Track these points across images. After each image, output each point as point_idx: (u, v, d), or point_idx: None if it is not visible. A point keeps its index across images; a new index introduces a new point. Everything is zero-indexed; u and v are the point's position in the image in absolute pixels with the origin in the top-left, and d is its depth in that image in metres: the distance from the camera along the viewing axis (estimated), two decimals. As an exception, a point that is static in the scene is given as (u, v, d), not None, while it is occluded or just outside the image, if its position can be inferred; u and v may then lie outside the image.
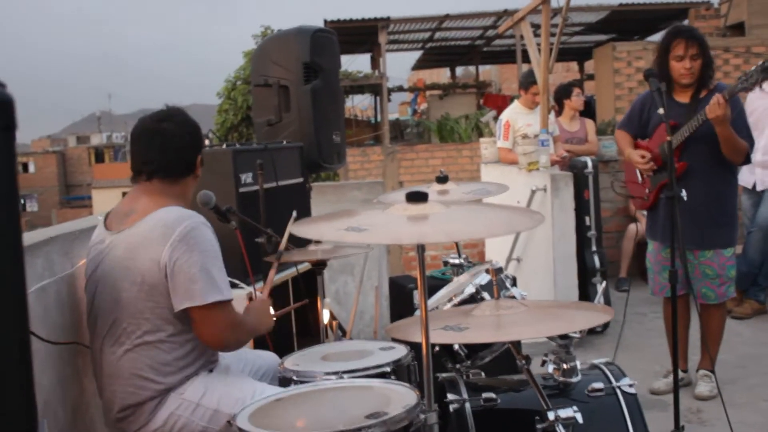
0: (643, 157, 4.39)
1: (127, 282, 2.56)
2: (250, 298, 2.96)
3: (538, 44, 6.48)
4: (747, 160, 4.34)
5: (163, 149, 2.70)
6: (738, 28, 15.61)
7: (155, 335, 2.57)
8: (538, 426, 2.38)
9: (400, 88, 23.01)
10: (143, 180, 2.72)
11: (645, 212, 4.73)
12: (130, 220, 2.62)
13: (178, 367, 2.61)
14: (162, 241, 2.52)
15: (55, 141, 68.55)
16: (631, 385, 2.72)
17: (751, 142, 4.28)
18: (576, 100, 7.32)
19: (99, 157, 54.75)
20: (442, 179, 3.51)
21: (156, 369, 2.58)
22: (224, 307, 2.58)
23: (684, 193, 3.63)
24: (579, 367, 2.73)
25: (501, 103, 16.90)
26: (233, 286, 3.61)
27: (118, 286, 2.57)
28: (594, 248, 6.28)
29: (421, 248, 2.17)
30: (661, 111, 3.63)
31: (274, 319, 2.98)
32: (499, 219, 2.25)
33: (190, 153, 2.75)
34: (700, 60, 4.23)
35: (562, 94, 7.39)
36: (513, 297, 2.91)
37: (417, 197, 2.14)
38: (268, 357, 3.15)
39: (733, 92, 4.02)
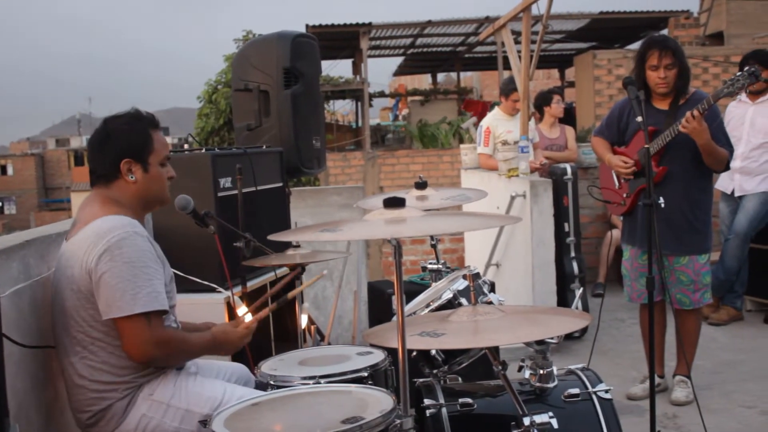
0: (625, 162, 4.42)
1: (68, 290, 2.58)
2: (229, 306, 2.92)
3: (519, 51, 6.51)
4: (726, 168, 4.38)
5: (91, 148, 2.75)
6: (717, 38, 15.79)
7: (104, 341, 2.56)
8: (514, 431, 2.39)
9: (382, 94, 23.05)
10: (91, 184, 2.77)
11: (621, 217, 4.76)
12: (75, 229, 2.65)
13: (136, 366, 2.59)
14: (91, 250, 2.53)
15: (34, 143, 68.07)
16: (607, 391, 2.73)
17: (730, 150, 4.32)
18: (556, 107, 7.36)
19: (78, 159, 54.30)
20: (421, 185, 3.50)
21: (113, 372, 2.58)
22: (148, 319, 2.52)
23: (662, 201, 3.65)
24: (555, 372, 2.73)
25: (481, 108, 16.98)
26: (211, 290, 3.60)
27: (63, 295, 2.60)
28: (573, 254, 6.30)
29: (398, 252, 2.18)
30: (639, 119, 3.65)
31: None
32: (474, 218, 2.27)
33: (110, 154, 2.70)
34: (675, 69, 4.27)
35: (543, 101, 7.42)
36: (490, 302, 2.92)
37: (394, 203, 2.14)
38: (238, 367, 3.11)
39: (718, 96, 4.06)
